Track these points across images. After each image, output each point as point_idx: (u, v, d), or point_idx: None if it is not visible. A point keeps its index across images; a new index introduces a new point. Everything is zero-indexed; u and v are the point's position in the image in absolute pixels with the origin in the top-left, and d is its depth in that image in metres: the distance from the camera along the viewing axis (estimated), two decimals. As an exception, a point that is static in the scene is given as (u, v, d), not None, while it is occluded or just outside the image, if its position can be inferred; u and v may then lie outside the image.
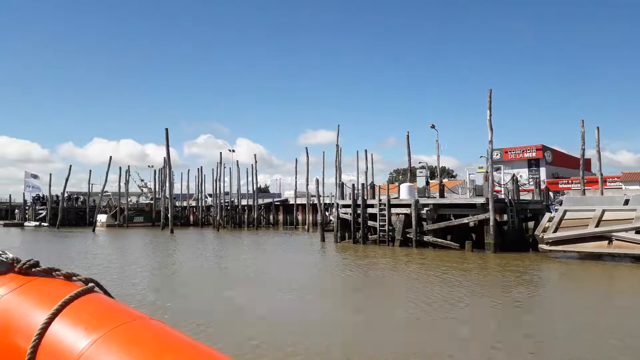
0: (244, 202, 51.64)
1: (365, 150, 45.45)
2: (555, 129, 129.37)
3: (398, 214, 23.48)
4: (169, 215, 49.22)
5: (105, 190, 50.49)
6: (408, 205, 23.13)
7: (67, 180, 52.52)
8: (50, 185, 56.33)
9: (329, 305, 10.60)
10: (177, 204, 53.63)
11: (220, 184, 51.86)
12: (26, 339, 1.49)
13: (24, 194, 60.14)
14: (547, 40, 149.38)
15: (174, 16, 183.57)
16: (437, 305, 9.98)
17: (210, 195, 56.67)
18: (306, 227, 42.64)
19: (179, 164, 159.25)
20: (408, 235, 23.15)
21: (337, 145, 37.74)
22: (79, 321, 1.49)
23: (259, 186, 54.79)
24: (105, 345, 1.37)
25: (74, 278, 1.74)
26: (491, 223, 20.68)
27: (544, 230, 19.32)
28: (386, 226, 23.60)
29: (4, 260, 1.78)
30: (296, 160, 49.12)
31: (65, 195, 54.00)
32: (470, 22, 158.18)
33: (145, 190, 59.05)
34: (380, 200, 24.11)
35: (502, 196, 23.20)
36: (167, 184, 43.45)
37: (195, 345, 1.37)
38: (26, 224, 54.77)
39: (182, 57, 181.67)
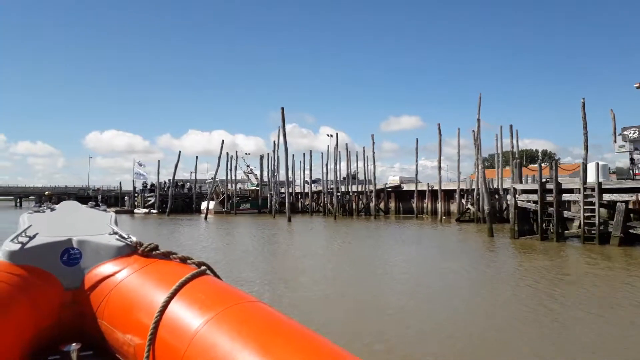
0: (341, 189, 47.69)
1: (503, 127, 38.63)
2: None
3: (615, 202, 17.30)
4: (275, 202, 46.52)
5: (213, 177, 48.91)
6: (634, 190, 16.88)
7: (176, 166, 51.78)
8: (158, 173, 56.28)
9: None
10: (282, 190, 50.77)
11: (335, 169, 47.76)
12: (149, 315, 1.70)
13: (133, 181, 60.90)
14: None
15: (270, 14, 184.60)
16: None
17: (314, 182, 53.26)
18: (438, 217, 36.97)
19: (266, 153, 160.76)
20: (632, 231, 16.96)
21: (478, 120, 31.50)
22: (195, 301, 1.69)
23: (348, 173, 50.19)
24: (219, 325, 1.52)
25: (189, 261, 2.05)
26: None
27: None
28: (596, 218, 17.54)
29: (129, 243, 2.18)
30: (416, 141, 43.65)
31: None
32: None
33: (251, 176, 57.06)
34: (584, 183, 18.04)
35: None
36: (285, 169, 39.70)
37: (303, 330, 1.48)
38: (136, 210, 54.98)
39: (275, 51, 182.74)
